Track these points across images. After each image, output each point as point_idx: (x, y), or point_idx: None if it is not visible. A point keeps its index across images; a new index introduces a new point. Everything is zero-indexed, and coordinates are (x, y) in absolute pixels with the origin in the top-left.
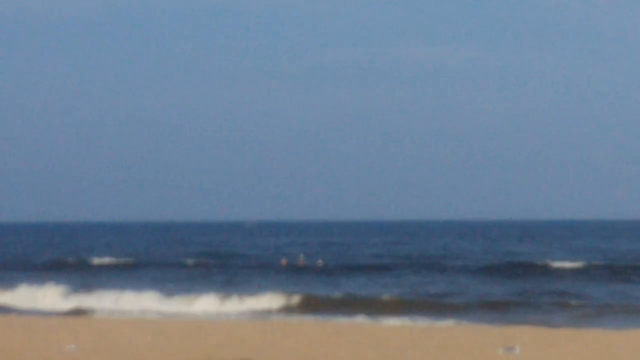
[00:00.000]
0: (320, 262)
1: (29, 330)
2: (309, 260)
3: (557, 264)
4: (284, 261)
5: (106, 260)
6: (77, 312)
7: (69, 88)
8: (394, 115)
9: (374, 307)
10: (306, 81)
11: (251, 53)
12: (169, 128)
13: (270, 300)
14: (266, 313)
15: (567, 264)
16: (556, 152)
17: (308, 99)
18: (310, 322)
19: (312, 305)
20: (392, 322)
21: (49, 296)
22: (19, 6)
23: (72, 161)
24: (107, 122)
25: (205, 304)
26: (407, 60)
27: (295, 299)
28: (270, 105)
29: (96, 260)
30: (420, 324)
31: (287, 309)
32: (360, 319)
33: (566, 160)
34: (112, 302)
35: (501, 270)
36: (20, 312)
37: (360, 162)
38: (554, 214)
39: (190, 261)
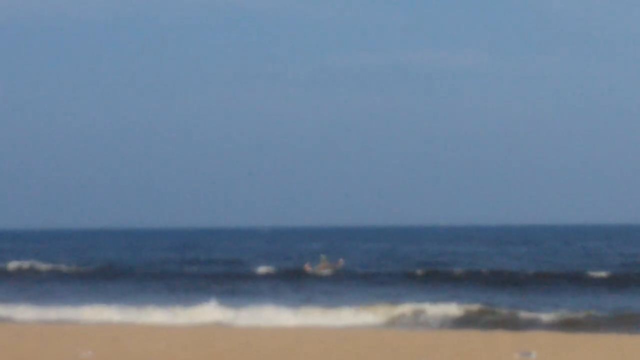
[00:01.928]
0: (341, 261)
1: (44, 337)
2: (331, 260)
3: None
4: (306, 267)
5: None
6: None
7: (70, 91)
8: (400, 119)
9: (389, 313)
10: (313, 85)
11: (260, 58)
12: (179, 133)
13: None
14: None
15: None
16: (564, 156)
17: (314, 103)
18: (323, 329)
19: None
20: (406, 328)
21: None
22: (20, 9)
23: (81, 167)
24: (114, 128)
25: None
26: (412, 63)
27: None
28: (276, 110)
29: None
30: (435, 329)
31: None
32: (374, 325)
33: (573, 164)
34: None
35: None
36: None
37: (368, 166)
38: (560, 219)
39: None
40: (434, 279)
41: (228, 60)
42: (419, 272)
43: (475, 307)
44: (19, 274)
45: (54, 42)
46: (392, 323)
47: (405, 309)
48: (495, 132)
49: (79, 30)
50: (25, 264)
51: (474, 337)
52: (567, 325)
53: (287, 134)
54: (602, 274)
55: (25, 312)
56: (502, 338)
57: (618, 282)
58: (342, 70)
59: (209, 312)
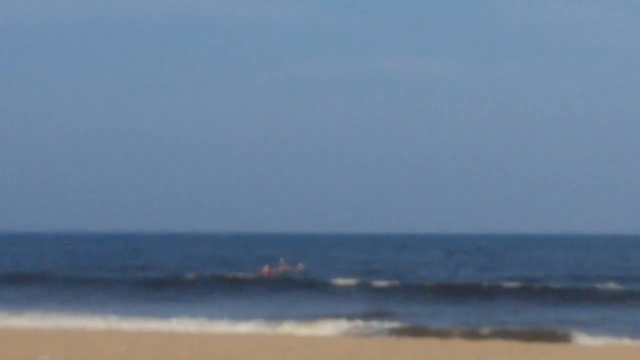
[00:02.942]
0: (300, 265)
1: (1, 341)
2: (290, 265)
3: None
4: (266, 269)
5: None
6: None
7: (58, 92)
8: (380, 127)
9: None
10: (291, 91)
11: (238, 63)
12: (152, 137)
13: None
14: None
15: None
16: (541, 165)
17: (291, 110)
18: (284, 335)
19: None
20: (367, 336)
21: None
22: (20, 10)
23: (60, 169)
24: (89, 132)
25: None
26: (391, 71)
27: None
28: (253, 116)
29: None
30: (395, 337)
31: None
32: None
33: (550, 173)
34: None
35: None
36: None
37: (344, 173)
38: (540, 229)
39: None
40: (381, 289)
41: (205, 68)
42: (356, 282)
43: (420, 318)
44: None
45: (53, 42)
46: (343, 332)
47: (352, 320)
48: (461, 140)
49: (79, 30)
50: None
51: (433, 345)
52: (525, 334)
53: (257, 141)
54: (553, 284)
55: None
56: (460, 346)
57: (567, 293)
58: (323, 77)
59: (150, 320)
